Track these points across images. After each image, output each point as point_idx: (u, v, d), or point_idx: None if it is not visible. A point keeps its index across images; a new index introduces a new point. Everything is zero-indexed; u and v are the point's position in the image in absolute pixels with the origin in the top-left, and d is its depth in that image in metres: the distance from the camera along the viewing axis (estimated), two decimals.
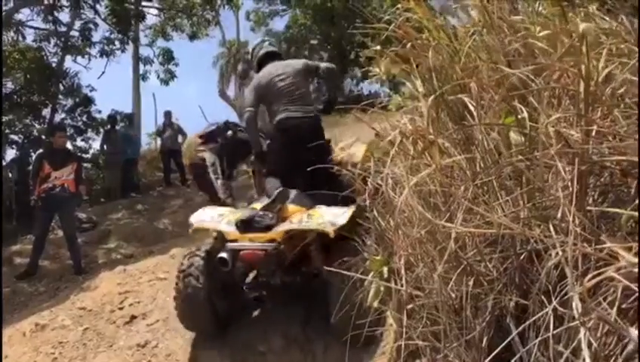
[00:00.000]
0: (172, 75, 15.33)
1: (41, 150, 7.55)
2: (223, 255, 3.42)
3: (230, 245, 3.47)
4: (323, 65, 4.56)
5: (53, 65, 12.09)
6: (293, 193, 3.79)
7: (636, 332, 1.04)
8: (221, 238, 3.69)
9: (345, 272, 2.25)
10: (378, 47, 2.80)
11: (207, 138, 6.73)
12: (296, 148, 3.94)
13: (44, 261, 7.35)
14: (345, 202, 3.36)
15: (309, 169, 3.37)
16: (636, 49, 1.62)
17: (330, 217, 3.31)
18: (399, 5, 2.56)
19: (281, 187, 3.78)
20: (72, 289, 5.77)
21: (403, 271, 1.97)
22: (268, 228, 3.42)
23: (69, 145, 12.03)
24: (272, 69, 4.36)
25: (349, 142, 4.73)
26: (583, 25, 1.55)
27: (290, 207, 3.65)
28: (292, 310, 4.17)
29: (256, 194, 4.97)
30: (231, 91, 26.42)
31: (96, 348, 4.14)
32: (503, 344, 1.38)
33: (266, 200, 3.74)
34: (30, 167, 8.08)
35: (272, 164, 4.33)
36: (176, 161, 12.07)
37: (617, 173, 1.49)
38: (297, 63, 4.49)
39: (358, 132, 4.83)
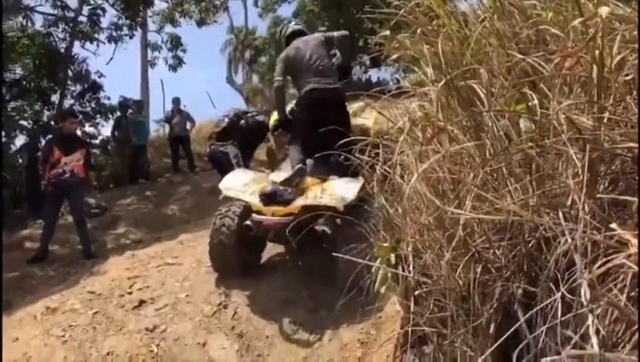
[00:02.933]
0: (180, 62, 15.27)
1: (50, 135, 7.55)
2: (249, 223, 4.15)
3: (255, 216, 4.12)
4: (336, 34, 4.88)
5: (62, 50, 12.07)
6: (310, 164, 4.33)
7: None
8: (248, 205, 4.32)
9: (354, 258, 2.25)
10: (387, 33, 2.78)
11: (226, 133, 7.18)
12: (320, 117, 4.17)
13: (54, 245, 7.42)
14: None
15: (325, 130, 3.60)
16: None
17: (341, 192, 3.84)
18: None
19: (301, 161, 4.29)
20: (82, 274, 5.82)
21: (410, 258, 1.98)
22: (287, 202, 3.98)
23: (78, 132, 12.12)
24: (298, 44, 4.74)
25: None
26: (603, 8, 1.52)
27: (308, 179, 4.20)
28: (300, 295, 4.21)
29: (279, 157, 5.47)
30: (239, 77, 26.43)
31: (105, 331, 4.19)
32: (510, 330, 1.38)
33: (286, 171, 4.36)
34: (39, 153, 8.09)
35: (296, 132, 4.68)
36: (184, 148, 12.09)
37: (628, 160, 1.47)
38: (317, 37, 4.84)
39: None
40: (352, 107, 4.97)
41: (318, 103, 4.45)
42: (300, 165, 4.26)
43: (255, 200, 4.11)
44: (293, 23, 5.36)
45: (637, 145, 1.33)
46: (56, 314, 4.54)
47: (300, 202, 3.97)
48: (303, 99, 4.59)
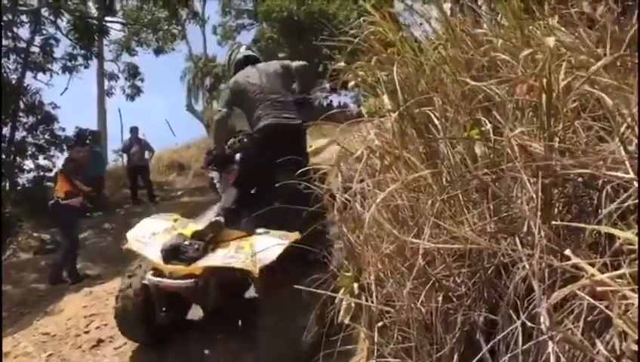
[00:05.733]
0: (138, 90, 15.14)
1: (69, 161, 7.81)
2: (146, 282, 3.44)
3: (149, 277, 3.40)
4: (294, 63, 4.27)
5: (13, 82, 11.75)
6: (247, 212, 3.58)
7: (602, 347, 1.04)
8: None
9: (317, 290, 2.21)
10: (343, 62, 2.80)
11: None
12: (275, 157, 3.43)
13: (6, 285, 7.08)
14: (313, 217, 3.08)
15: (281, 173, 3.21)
16: (593, 60, 1.65)
17: (261, 253, 3.08)
18: (364, 18, 2.57)
19: (228, 210, 3.63)
20: (35, 314, 5.56)
21: (373, 287, 1.96)
22: (190, 260, 3.25)
23: (31, 165, 11.78)
24: (251, 71, 4.09)
25: (321, 144, 4.47)
26: (550, 39, 1.57)
27: (230, 232, 3.46)
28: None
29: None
30: (199, 105, 26.31)
31: None
32: (474, 360, 1.37)
33: (207, 218, 3.66)
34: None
35: (244, 172, 4.01)
36: (143, 178, 11.86)
37: (580, 185, 1.50)
38: (274, 65, 4.20)
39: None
40: (316, 143, 4.50)
41: (274, 141, 3.71)
42: (217, 217, 3.54)
43: (154, 257, 3.36)
44: (244, 47, 4.60)
45: (586, 171, 1.36)
46: (8, 359, 4.30)
47: (203, 262, 3.23)
48: (258, 135, 3.86)
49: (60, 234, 7.51)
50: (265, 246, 3.12)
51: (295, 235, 3.18)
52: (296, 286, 2.36)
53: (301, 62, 4.30)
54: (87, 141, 11.58)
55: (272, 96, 3.91)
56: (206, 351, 3.74)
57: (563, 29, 2.09)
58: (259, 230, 3.40)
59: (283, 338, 3.00)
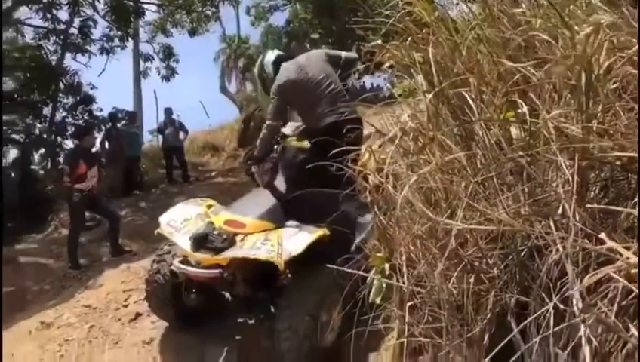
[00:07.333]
0: (173, 72, 15.37)
1: (72, 148, 7.96)
2: (174, 269, 3.45)
3: (176, 264, 3.43)
4: (344, 54, 4.06)
5: (53, 63, 12.08)
6: (267, 206, 3.58)
7: (635, 331, 1.03)
8: None
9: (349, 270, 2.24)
10: (379, 42, 2.79)
11: None
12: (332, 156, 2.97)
13: (49, 259, 7.38)
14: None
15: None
16: (635, 40, 1.61)
17: (287, 244, 3.09)
18: None
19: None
20: (77, 288, 5.78)
21: (404, 268, 1.98)
22: (217, 250, 3.23)
23: (71, 144, 12.13)
24: (296, 65, 3.82)
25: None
26: (598, 17, 1.54)
27: (258, 223, 3.44)
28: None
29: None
30: (232, 86, 26.48)
31: (101, 345, 4.16)
32: (504, 341, 1.38)
33: (242, 208, 3.61)
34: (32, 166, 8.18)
35: (301, 170, 3.57)
36: (178, 158, 12.07)
37: (618, 168, 1.48)
38: (319, 55, 3.96)
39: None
40: (365, 144, 4.12)
41: (337, 138, 3.15)
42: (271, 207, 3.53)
43: (184, 244, 3.36)
44: (276, 50, 4.30)
45: (625, 154, 1.33)
46: (52, 329, 4.51)
47: (229, 253, 3.19)
48: (324, 131, 3.50)
49: (70, 217, 7.51)
50: (292, 239, 3.14)
51: (324, 230, 3.21)
52: (328, 266, 2.39)
53: (353, 55, 4.11)
54: (123, 122, 11.84)
55: (327, 88, 3.70)
56: (237, 337, 3.85)
57: (605, 7, 2.03)
58: (289, 222, 3.43)
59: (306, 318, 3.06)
